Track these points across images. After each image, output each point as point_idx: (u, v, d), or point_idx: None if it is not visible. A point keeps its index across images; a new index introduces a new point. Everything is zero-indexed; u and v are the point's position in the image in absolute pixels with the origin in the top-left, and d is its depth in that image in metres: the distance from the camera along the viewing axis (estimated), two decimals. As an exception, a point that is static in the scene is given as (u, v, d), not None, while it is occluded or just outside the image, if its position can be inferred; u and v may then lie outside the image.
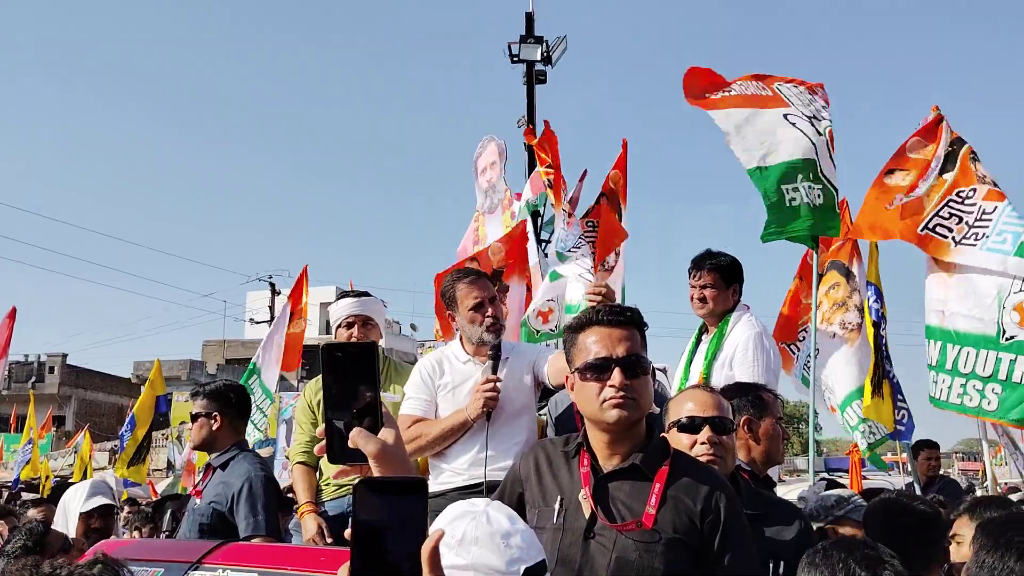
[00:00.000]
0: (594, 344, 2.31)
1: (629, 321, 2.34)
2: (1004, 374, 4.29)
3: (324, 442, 1.38)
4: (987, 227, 4.38)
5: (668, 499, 2.24)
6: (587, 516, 2.26)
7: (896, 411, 5.45)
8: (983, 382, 4.38)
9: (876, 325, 5.26)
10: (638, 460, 2.29)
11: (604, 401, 2.26)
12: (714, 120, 4.79)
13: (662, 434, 2.70)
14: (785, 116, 4.68)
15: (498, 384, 3.43)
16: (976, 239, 4.39)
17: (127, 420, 12.25)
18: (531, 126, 13.46)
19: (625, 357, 2.27)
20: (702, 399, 2.71)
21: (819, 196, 4.62)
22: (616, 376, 2.25)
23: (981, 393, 4.38)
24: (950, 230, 4.48)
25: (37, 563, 1.76)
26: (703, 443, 2.61)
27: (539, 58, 13.84)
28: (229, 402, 4.09)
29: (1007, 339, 4.30)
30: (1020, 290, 4.28)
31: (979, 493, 9.62)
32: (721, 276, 4.15)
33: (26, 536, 3.43)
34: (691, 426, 2.66)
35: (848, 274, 5.58)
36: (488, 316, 3.56)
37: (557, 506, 2.30)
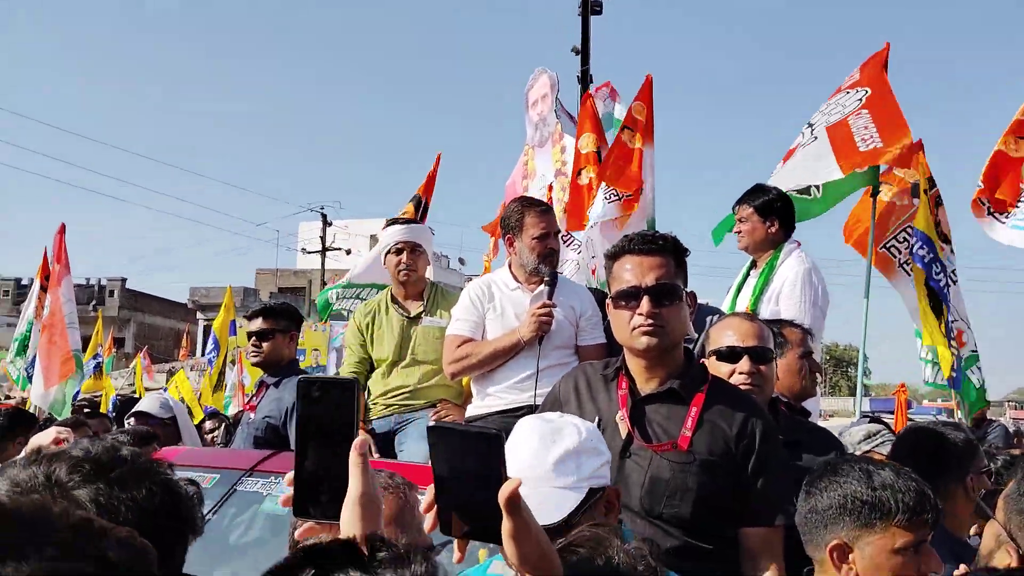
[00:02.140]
0: (626, 272, 2.34)
1: (661, 249, 2.35)
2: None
3: (290, 492, 1.23)
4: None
5: (704, 423, 2.28)
6: (623, 436, 2.31)
7: (952, 358, 5.42)
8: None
9: (925, 275, 5.21)
10: (676, 385, 2.32)
11: (634, 329, 2.30)
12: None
13: (701, 359, 2.74)
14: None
15: (553, 310, 3.48)
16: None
17: (210, 342, 12.64)
18: (586, 62, 13.26)
19: (654, 286, 2.29)
20: (742, 328, 2.71)
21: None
22: (645, 304, 2.27)
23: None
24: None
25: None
26: (741, 372, 2.62)
27: (595, -12, 13.51)
28: (290, 320, 4.27)
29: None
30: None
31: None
32: (757, 211, 4.18)
33: (131, 439, 3.55)
34: (730, 355, 2.67)
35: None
36: (548, 247, 3.64)
37: (594, 426, 2.36)
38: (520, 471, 1.63)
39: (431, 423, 3.93)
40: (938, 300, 5.06)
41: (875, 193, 5.12)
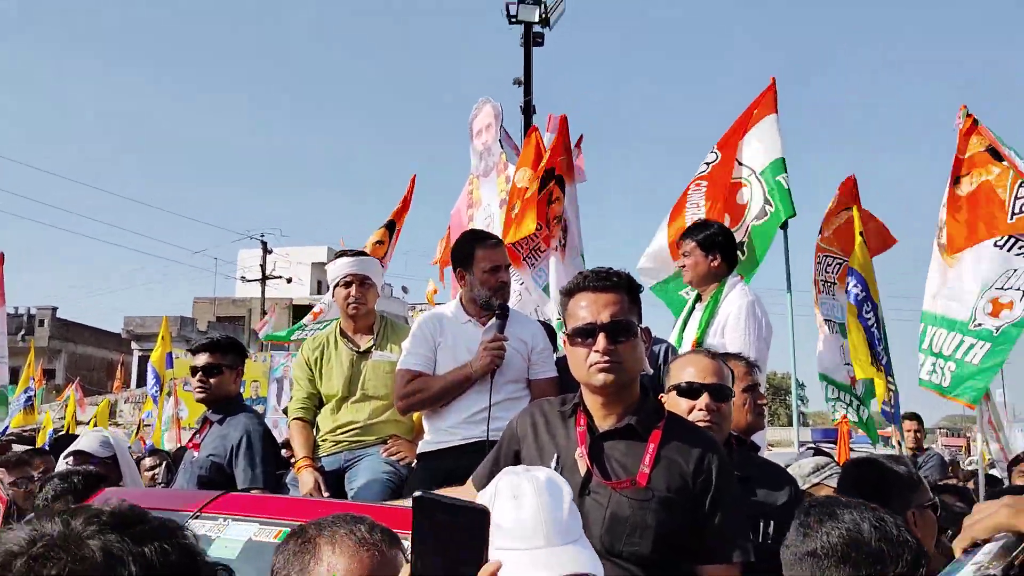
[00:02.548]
0: (581, 309, 2.36)
1: (616, 286, 2.37)
2: (961, 354, 4.83)
3: None
4: None
5: (661, 459, 2.29)
6: (583, 473, 2.31)
7: (887, 392, 5.58)
8: (944, 360, 4.92)
9: (857, 311, 5.38)
10: (633, 421, 2.34)
11: (591, 366, 2.31)
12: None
13: (660, 395, 2.77)
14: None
15: (505, 343, 3.48)
16: None
17: (152, 380, 12.27)
18: (528, 93, 13.40)
19: (609, 323, 2.31)
20: (702, 365, 2.74)
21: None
22: (601, 341, 2.29)
23: (941, 371, 4.95)
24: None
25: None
26: (701, 409, 2.65)
27: (537, 20, 13.72)
28: (236, 355, 4.19)
29: (975, 325, 4.81)
30: (1003, 287, 4.74)
31: (964, 467, 9.78)
32: (699, 245, 4.29)
33: (83, 477, 3.44)
34: (690, 391, 2.69)
35: None
36: (499, 280, 3.64)
37: (553, 463, 2.35)
38: (536, 529, 1.67)
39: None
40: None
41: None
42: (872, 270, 5.09)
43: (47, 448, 9.25)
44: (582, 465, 2.32)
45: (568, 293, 2.44)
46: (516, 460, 2.47)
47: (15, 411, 13.20)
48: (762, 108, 5.68)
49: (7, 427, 13.45)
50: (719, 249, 4.24)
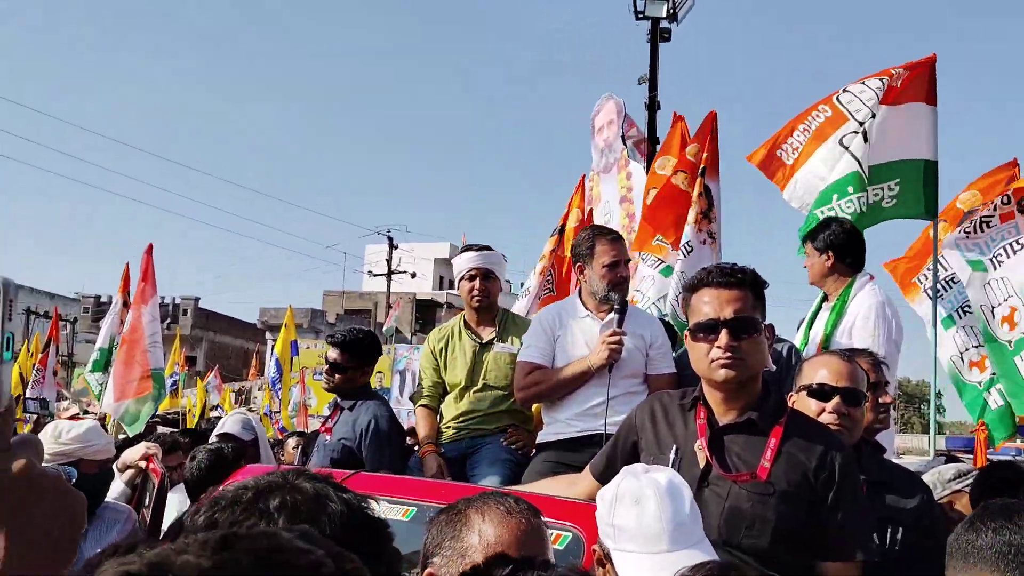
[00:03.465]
0: (704, 305, 2.37)
1: (740, 282, 2.37)
2: None
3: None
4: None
5: (783, 454, 2.29)
6: (702, 466, 2.33)
7: None
8: None
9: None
10: (754, 416, 2.34)
11: (712, 361, 2.32)
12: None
13: (789, 394, 2.74)
14: (840, 141, 4.94)
15: (623, 337, 3.50)
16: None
17: (273, 367, 12.91)
18: (653, 89, 13.25)
19: (733, 319, 2.31)
20: (837, 368, 2.68)
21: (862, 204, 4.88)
22: (723, 337, 2.30)
23: None
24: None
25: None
26: (831, 412, 2.60)
27: (664, 15, 13.54)
28: (364, 352, 4.36)
29: None
30: None
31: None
32: (814, 245, 4.20)
33: (233, 451, 3.72)
34: (821, 393, 2.65)
35: None
36: (619, 275, 3.67)
37: (672, 455, 2.38)
38: (659, 534, 1.76)
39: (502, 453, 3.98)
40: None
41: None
42: None
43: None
44: (701, 457, 2.34)
45: (691, 288, 2.46)
46: (634, 450, 2.51)
47: (165, 395, 14.15)
48: (912, 88, 5.05)
49: (156, 409, 14.42)
50: (832, 248, 4.14)
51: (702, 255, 5.30)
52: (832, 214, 4.74)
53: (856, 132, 4.91)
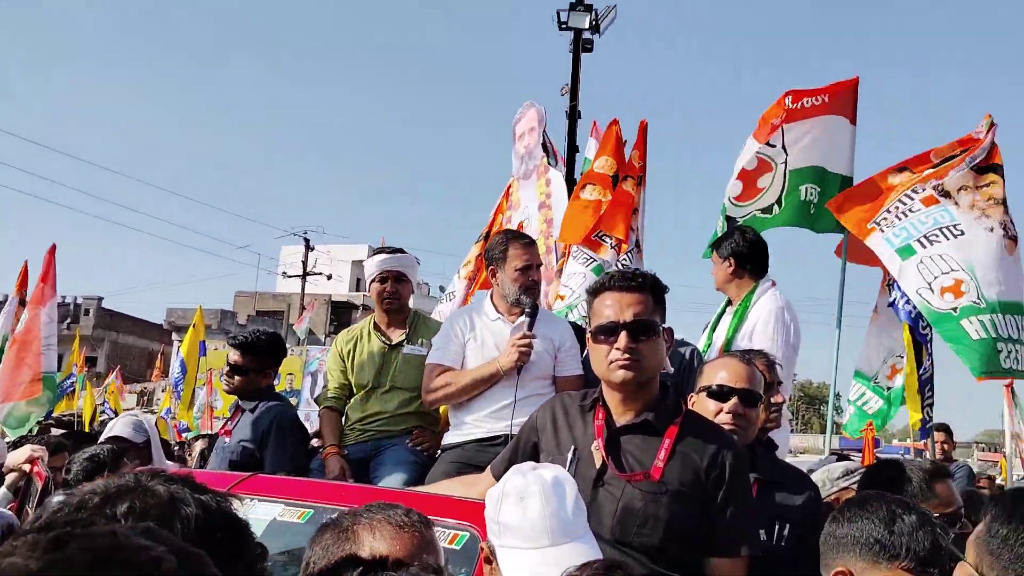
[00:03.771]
0: (606, 308, 2.41)
1: (640, 286, 2.42)
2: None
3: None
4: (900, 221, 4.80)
5: (676, 454, 2.34)
6: (598, 466, 2.36)
7: (923, 410, 5.54)
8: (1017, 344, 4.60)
9: (912, 325, 5.33)
10: (650, 417, 2.39)
11: (611, 363, 2.37)
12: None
13: (690, 395, 2.80)
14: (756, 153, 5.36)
15: (533, 340, 3.52)
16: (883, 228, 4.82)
17: (178, 367, 12.51)
18: (575, 99, 13.41)
19: (632, 322, 2.36)
20: (735, 369, 2.76)
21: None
22: (622, 339, 2.35)
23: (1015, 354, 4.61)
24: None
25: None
26: (728, 412, 2.68)
27: (587, 26, 13.73)
28: (266, 354, 4.26)
29: None
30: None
31: (998, 482, 9.61)
32: (719, 253, 4.37)
33: (109, 452, 3.54)
34: (720, 394, 2.72)
35: None
36: (531, 279, 3.70)
37: (570, 455, 2.41)
38: (541, 530, 1.77)
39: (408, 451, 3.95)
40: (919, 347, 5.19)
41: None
42: None
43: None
44: (598, 458, 2.37)
45: (594, 292, 2.50)
46: (535, 451, 2.52)
47: (59, 397, 13.55)
48: (834, 105, 5.38)
49: (51, 411, 13.81)
50: (733, 255, 4.29)
51: (633, 261, 5.44)
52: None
53: (773, 162, 5.36)
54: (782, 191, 5.39)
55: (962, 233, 4.74)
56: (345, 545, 1.60)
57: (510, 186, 7.52)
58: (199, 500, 1.18)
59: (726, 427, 2.63)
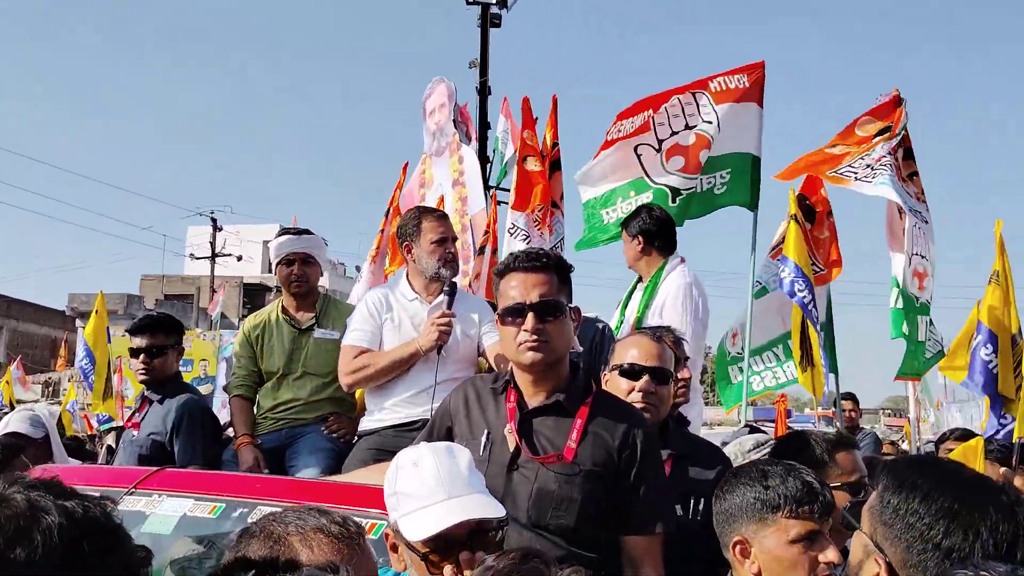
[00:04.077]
0: (511, 289, 2.41)
1: (545, 267, 2.42)
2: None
3: None
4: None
5: (588, 434, 2.36)
6: (511, 449, 2.37)
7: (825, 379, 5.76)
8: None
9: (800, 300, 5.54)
10: (561, 398, 2.40)
11: (520, 344, 2.37)
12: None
13: (603, 373, 2.83)
14: (635, 148, 5.58)
15: (452, 320, 3.47)
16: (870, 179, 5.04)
17: (84, 355, 11.99)
18: (485, 74, 13.32)
19: (538, 303, 2.37)
20: (646, 348, 2.79)
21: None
22: (529, 320, 2.35)
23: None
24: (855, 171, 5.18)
25: None
26: (640, 391, 2.71)
27: (495, 1, 13.66)
28: (172, 328, 4.15)
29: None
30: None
31: (903, 447, 10.11)
32: (628, 231, 4.46)
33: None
34: (631, 372, 2.75)
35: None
36: (448, 251, 3.64)
37: (484, 439, 2.41)
38: (437, 485, 1.79)
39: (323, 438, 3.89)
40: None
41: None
42: (804, 249, 5.16)
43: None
44: (511, 441, 2.38)
45: (500, 274, 2.49)
46: (449, 435, 2.51)
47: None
48: (752, 92, 5.50)
49: None
50: (641, 233, 4.38)
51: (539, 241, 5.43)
52: (616, 215, 5.47)
53: (651, 145, 5.51)
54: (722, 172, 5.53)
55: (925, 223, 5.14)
56: (278, 556, 1.49)
57: (405, 166, 7.45)
58: (63, 507, 1.11)
59: (638, 405, 2.67)
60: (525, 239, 5.56)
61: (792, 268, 4.94)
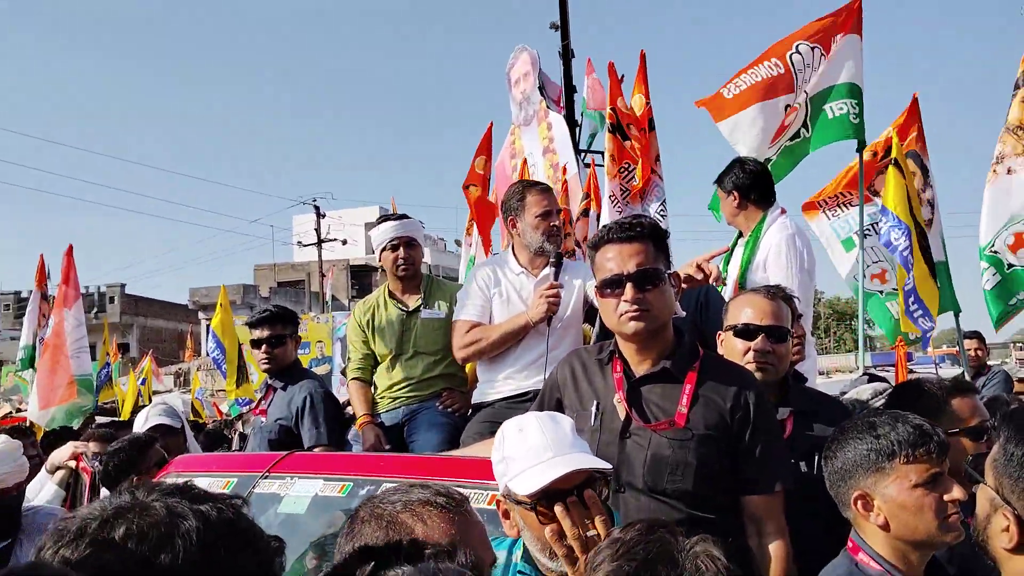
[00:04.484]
0: (608, 261, 2.41)
1: (640, 235, 2.41)
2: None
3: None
4: None
5: (699, 398, 2.36)
6: (622, 418, 2.39)
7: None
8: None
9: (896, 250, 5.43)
10: (668, 364, 2.40)
11: (621, 315, 2.37)
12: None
13: (718, 334, 2.81)
14: (786, 107, 5.43)
15: (560, 290, 3.50)
16: None
17: (214, 345, 12.65)
18: (566, 37, 13.14)
19: (636, 272, 2.36)
20: (760, 306, 2.75)
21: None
22: (629, 291, 2.35)
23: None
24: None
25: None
26: (756, 350, 2.69)
27: (574, -39, 13.43)
28: (289, 319, 4.38)
29: (990, 251, 5.32)
30: None
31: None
32: (722, 188, 4.31)
33: (130, 444, 3.63)
34: (746, 332, 2.72)
35: (924, 168, 6.13)
36: (552, 224, 3.67)
37: (594, 409, 2.43)
38: (544, 447, 1.84)
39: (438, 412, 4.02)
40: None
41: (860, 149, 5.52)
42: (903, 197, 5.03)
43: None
44: (621, 410, 2.40)
45: (595, 247, 2.49)
46: (559, 408, 2.54)
47: (100, 388, 13.80)
48: (843, 26, 5.43)
49: (96, 406, 14.07)
50: (736, 187, 4.25)
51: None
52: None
53: (798, 104, 5.41)
54: (806, 116, 5.42)
55: None
56: (393, 536, 1.53)
57: (489, 129, 7.47)
58: (198, 512, 1.17)
59: (755, 365, 2.65)
60: (621, 210, 5.54)
61: (891, 217, 4.84)
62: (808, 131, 5.40)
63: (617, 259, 2.40)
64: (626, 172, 5.52)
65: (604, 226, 2.52)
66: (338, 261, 39.05)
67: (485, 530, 1.69)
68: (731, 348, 2.75)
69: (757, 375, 2.64)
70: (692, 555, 1.36)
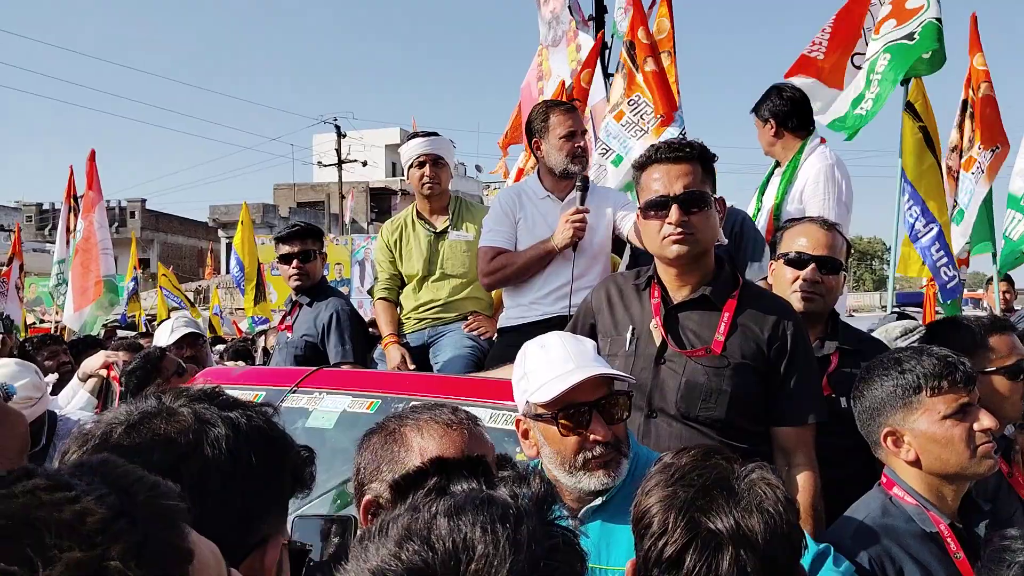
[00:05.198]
0: (654, 182, 2.35)
1: (689, 157, 2.34)
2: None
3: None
4: None
5: (736, 327, 2.33)
6: (658, 344, 2.37)
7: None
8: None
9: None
10: (707, 291, 2.36)
11: (664, 238, 2.32)
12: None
13: (769, 262, 2.76)
14: (852, 60, 5.17)
15: (586, 215, 3.42)
16: None
17: (235, 263, 12.74)
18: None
19: (683, 194, 2.30)
20: (815, 236, 2.70)
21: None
22: (674, 213, 2.29)
23: None
24: None
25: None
26: (805, 279, 2.65)
27: None
28: (317, 233, 4.40)
29: None
30: None
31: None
32: (759, 116, 4.16)
33: (144, 360, 3.70)
34: (798, 261, 2.68)
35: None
36: (577, 145, 3.57)
37: (629, 335, 2.41)
38: (565, 359, 1.87)
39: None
40: None
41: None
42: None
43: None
44: (657, 336, 2.37)
45: (640, 167, 2.43)
46: (592, 333, 2.52)
47: (127, 298, 14.00)
48: None
49: (124, 314, 14.30)
50: (772, 115, 4.11)
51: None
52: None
53: (863, 54, 5.15)
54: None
55: None
56: (393, 447, 1.61)
57: (539, 54, 7.31)
58: (228, 419, 1.14)
59: (800, 295, 2.61)
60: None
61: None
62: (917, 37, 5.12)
63: (664, 180, 2.33)
64: (635, 105, 5.34)
65: (652, 146, 2.44)
66: (357, 183, 38.92)
67: (492, 449, 1.71)
68: (780, 277, 2.72)
69: (803, 305, 2.60)
70: (749, 482, 1.35)
